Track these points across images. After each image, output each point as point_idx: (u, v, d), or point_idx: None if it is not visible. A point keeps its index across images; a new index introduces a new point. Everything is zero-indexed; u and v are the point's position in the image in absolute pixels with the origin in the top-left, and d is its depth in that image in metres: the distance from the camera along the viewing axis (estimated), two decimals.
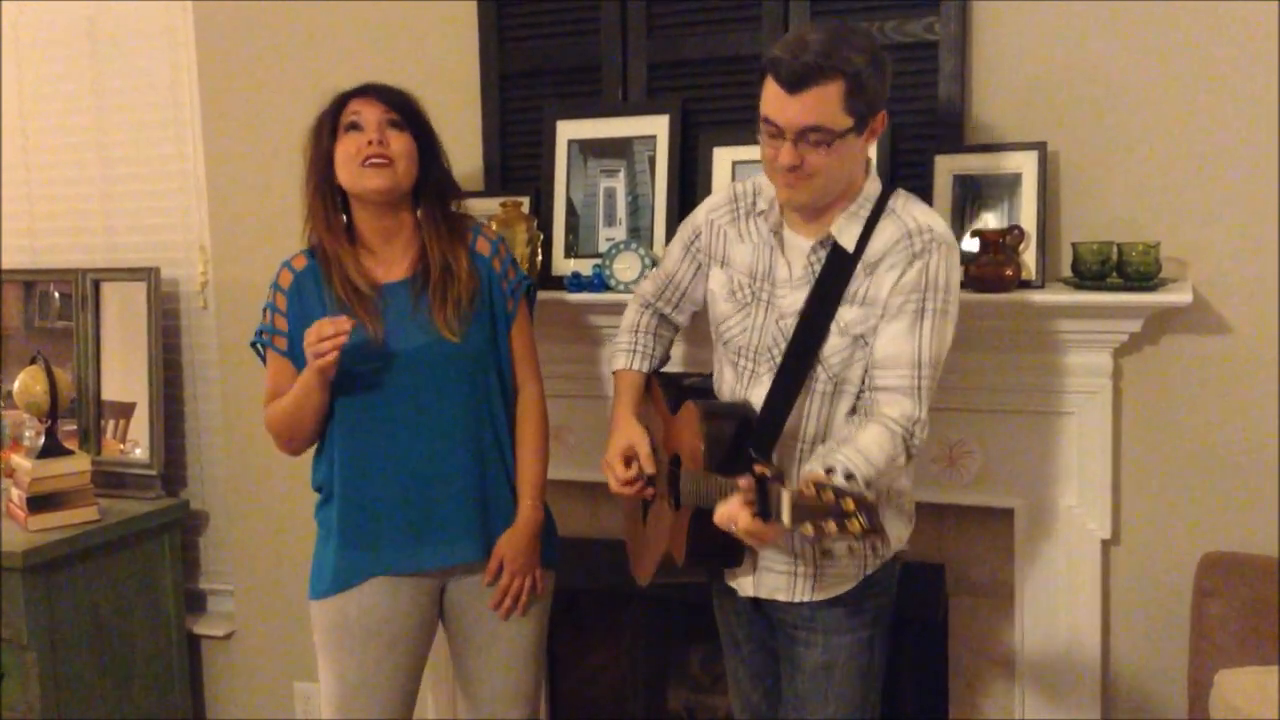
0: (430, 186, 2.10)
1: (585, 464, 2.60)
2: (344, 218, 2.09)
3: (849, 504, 1.46)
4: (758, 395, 1.85)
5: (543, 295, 2.48)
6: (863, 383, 1.82)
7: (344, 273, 2.04)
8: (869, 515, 1.46)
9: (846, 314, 1.80)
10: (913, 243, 1.78)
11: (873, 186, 1.85)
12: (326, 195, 2.07)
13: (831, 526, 1.47)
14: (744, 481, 1.59)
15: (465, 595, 2.14)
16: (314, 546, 2.15)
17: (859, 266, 1.80)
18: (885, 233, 1.80)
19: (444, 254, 2.07)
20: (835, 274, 1.81)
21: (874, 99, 1.74)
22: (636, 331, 2.10)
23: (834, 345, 1.81)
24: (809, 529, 1.48)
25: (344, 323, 1.91)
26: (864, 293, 1.80)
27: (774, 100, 1.72)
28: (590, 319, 2.52)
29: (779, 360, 1.84)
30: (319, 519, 2.15)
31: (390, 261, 2.09)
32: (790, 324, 1.84)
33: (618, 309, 2.41)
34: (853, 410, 1.85)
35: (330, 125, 2.05)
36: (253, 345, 2.16)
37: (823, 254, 1.83)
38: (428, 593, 2.12)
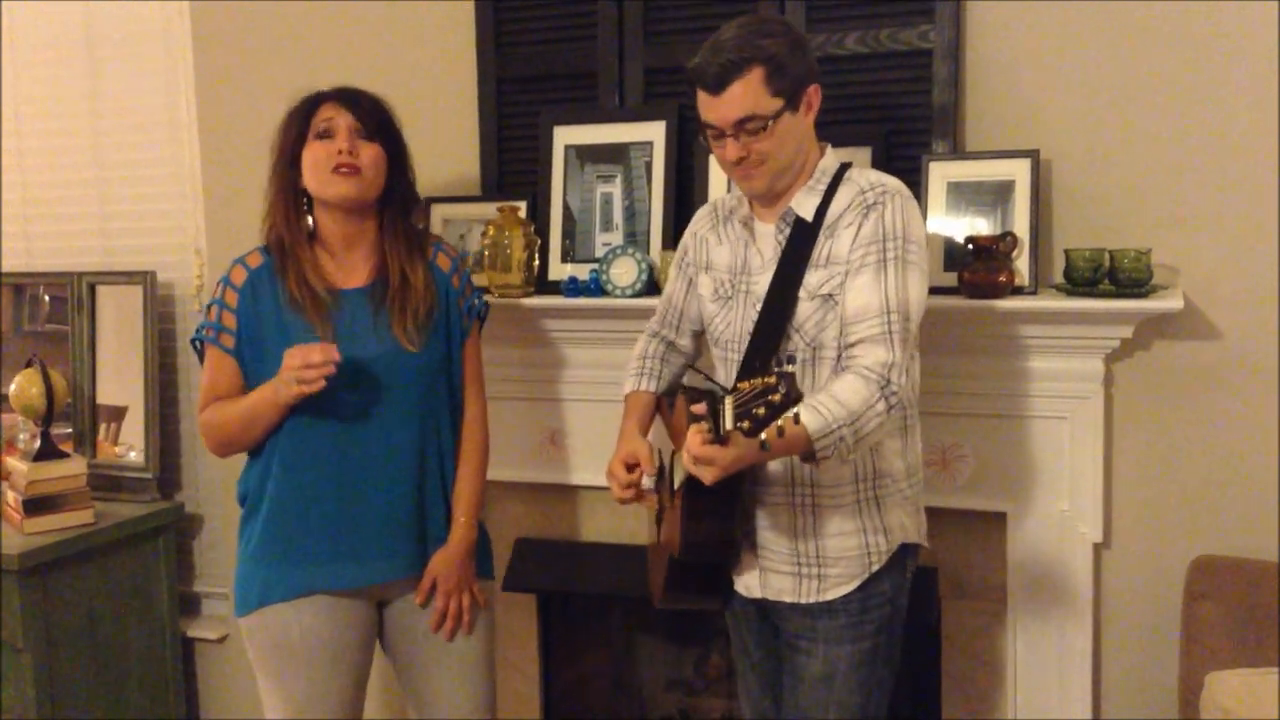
0: (395, 197, 2.09)
1: (579, 468, 2.61)
2: (309, 219, 2.07)
3: (770, 379, 1.50)
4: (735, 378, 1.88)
5: (540, 300, 2.49)
6: (840, 346, 1.83)
7: (301, 272, 2.02)
8: (788, 383, 1.49)
9: (812, 278, 1.84)
10: (866, 197, 1.83)
11: (829, 162, 1.90)
12: (290, 195, 2.06)
13: (761, 410, 1.49)
14: (697, 408, 1.61)
15: (406, 615, 2.12)
16: (235, 563, 2.11)
17: (820, 232, 1.85)
18: (841, 197, 1.86)
19: (402, 265, 2.06)
20: (799, 244, 1.86)
21: (799, 76, 1.81)
22: (644, 357, 2.13)
23: (805, 311, 1.84)
24: (745, 423, 1.50)
25: (333, 351, 1.90)
26: (826, 254, 1.84)
27: (705, 104, 1.82)
28: (586, 324, 2.53)
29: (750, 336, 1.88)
30: (243, 532, 2.11)
31: (350, 268, 2.08)
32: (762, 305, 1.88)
33: (614, 314, 2.43)
34: None
35: (300, 128, 2.04)
36: (192, 342, 2.12)
37: (787, 230, 1.89)
38: (366, 610, 2.10)
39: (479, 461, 2.17)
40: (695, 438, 1.61)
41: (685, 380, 2.17)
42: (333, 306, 2.02)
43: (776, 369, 1.53)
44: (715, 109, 1.80)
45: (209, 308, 2.09)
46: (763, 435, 1.52)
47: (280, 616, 2.03)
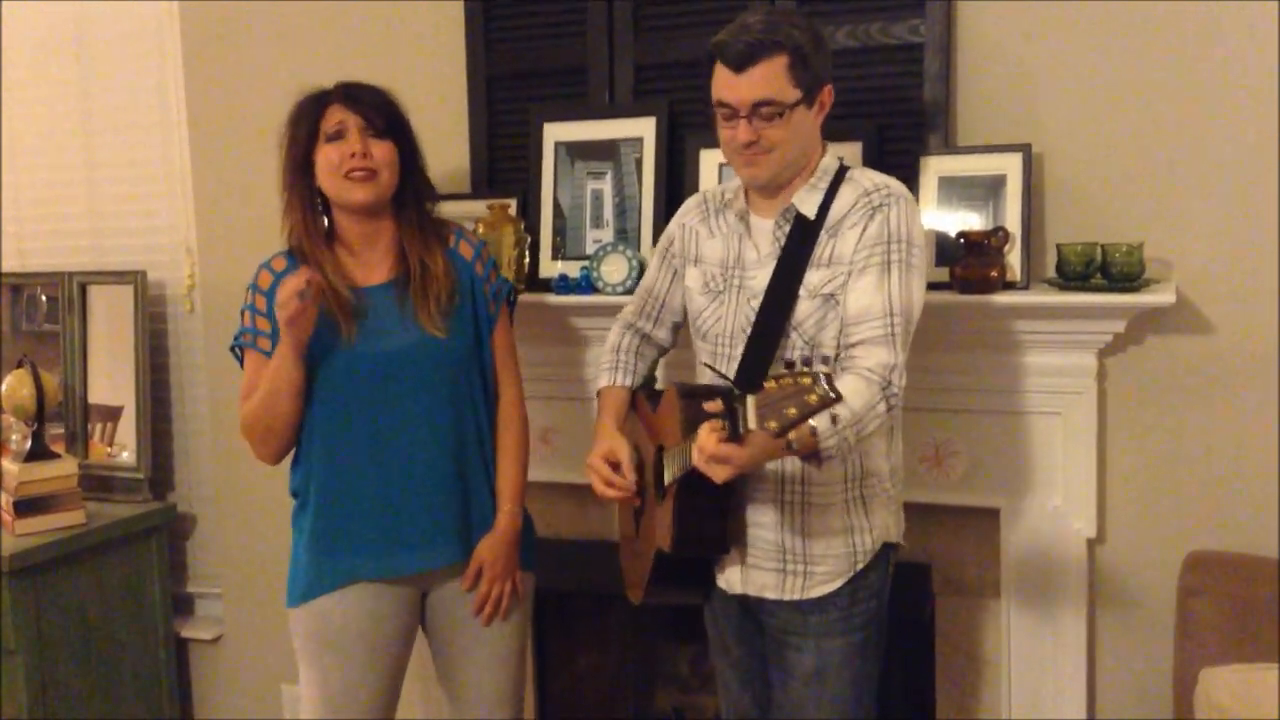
0: (410, 191, 2.09)
1: (572, 466, 2.60)
2: (324, 220, 2.08)
3: (805, 379, 1.47)
4: (733, 373, 1.87)
5: (530, 298, 2.48)
6: (839, 346, 1.83)
7: (323, 274, 2.02)
8: (827, 383, 1.47)
9: (814, 277, 1.84)
10: (871, 199, 1.84)
11: (829, 161, 1.90)
12: (306, 197, 2.06)
13: (792, 410, 1.47)
14: (711, 405, 1.59)
15: (447, 601, 2.13)
16: (290, 552, 2.14)
17: (822, 231, 1.85)
18: (844, 197, 1.86)
19: (421, 256, 2.06)
20: (800, 242, 1.86)
21: (818, 72, 1.81)
22: (618, 351, 2.12)
23: (805, 309, 1.84)
24: (773, 423, 1.48)
25: (304, 272, 1.90)
26: (829, 254, 1.84)
27: (724, 82, 1.80)
28: (577, 321, 2.52)
29: (750, 333, 1.87)
30: (295, 524, 2.14)
31: (371, 264, 2.08)
32: (761, 301, 1.87)
33: (605, 311, 2.42)
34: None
35: (309, 129, 2.03)
36: (232, 349, 2.13)
37: (787, 227, 1.88)
38: (409, 598, 2.11)
39: (519, 448, 2.17)
40: (711, 436, 1.59)
41: (656, 374, 2.16)
42: (358, 305, 2.03)
43: (807, 368, 1.49)
44: (734, 88, 1.78)
45: (243, 313, 2.10)
46: (791, 435, 1.50)
47: (324, 606, 2.05)
